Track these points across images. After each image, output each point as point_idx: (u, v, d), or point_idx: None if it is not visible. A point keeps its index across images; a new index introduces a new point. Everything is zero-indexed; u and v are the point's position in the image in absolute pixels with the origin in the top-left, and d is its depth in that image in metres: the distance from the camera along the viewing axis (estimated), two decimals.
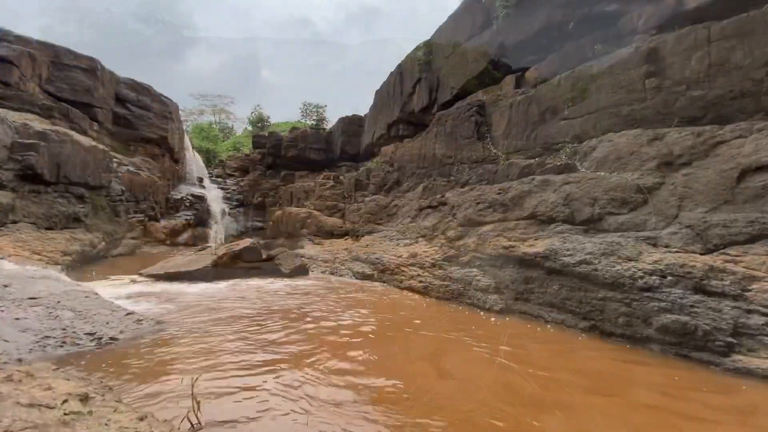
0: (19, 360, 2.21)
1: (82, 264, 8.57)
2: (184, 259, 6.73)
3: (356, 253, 7.72)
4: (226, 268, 6.70)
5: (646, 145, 4.37)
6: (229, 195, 22.38)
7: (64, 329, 2.87)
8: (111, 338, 2.94)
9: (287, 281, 6.37)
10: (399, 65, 14.80)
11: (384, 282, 6.38)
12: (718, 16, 6.15)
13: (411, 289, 5.61)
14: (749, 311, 2.69)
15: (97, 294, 3.90)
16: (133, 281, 6.13)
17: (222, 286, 5.77)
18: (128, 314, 3.46)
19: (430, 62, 12.86)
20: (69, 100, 13.22)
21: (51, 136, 8.85)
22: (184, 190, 19.91)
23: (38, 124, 10.52)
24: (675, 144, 4.12)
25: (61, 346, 2.69)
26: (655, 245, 3.56)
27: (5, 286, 3.50)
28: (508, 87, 9.50)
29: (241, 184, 23.12)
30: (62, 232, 8.73)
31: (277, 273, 7.14)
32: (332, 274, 7.45)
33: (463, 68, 10.84)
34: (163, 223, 16.29)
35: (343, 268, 7.46)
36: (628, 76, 5.18)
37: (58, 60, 13.20)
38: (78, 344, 2.75)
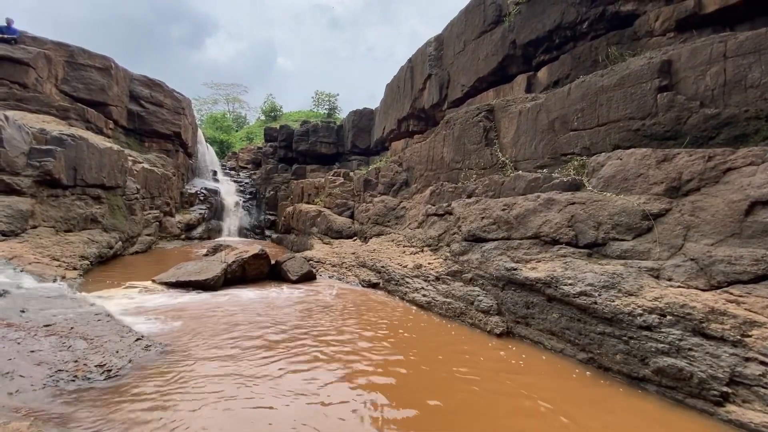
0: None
1: (100, 265, 8.91)
2: (195, 267, 6.92)
3: (363, 258, 7.79)
4: (235, 275, 6.87)
5: (655, 167, 4.25)
6: (242, 188, 22.72)
7: (76, 361, 3.02)
8: (119, 369, 3.09)
9: (295, 290, 6.50)
10: (410, 59, 14.60)
11: (389, 292, 6.45)
12: (740, 20, 5.88)
13: (414, 302, 5.67)
14: (747, 359, 2.65)
15: (109, 315, 4.07)
16: (146, 289, 6.35)
17: (231, 296, 5.93)
18: (137, 340, 3.61)
19: (441, 58, 12.65)
20: (84, 99, 13.51)
21: (67, 141, 9.09)
22: (198, 184, 20.30)
23: (55, 126, 10.81)
24: (684, 168, 4.00)
25: (73, 380, 2.84)
26: (657, 278, 3.50)
27: (22, 311, 3.68)
28: (519, 87, 9.31)
29: (254, 177, 23.42)
30: (80, 234, 9.05)
31: (285, 279, 7.29)
32: (339, 280, 7.56)
33: (474, 66, 10.63)
34: (177, 218, 16.69)
35: (350, 274, 7.56)
36: (640, 89, 5.01)
37: (73, 60, 13.44)
38: (89, 378, 2.89)
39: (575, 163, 5.53)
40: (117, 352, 3.32)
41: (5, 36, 11.78)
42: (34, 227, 7.99)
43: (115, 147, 11.79)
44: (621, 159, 4.69)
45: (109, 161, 10.68)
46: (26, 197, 7.98)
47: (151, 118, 16.19)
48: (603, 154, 5.11)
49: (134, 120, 15.72)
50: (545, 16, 8.28)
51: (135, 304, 5.27)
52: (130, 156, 13.52)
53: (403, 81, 14.83)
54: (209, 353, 3.67)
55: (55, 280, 6.23)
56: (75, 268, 7.45)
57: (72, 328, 3.57)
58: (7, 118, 8.05)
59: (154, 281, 6.79)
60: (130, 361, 3.26)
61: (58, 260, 7.35)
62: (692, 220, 3.69)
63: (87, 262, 8.04)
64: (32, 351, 3.02)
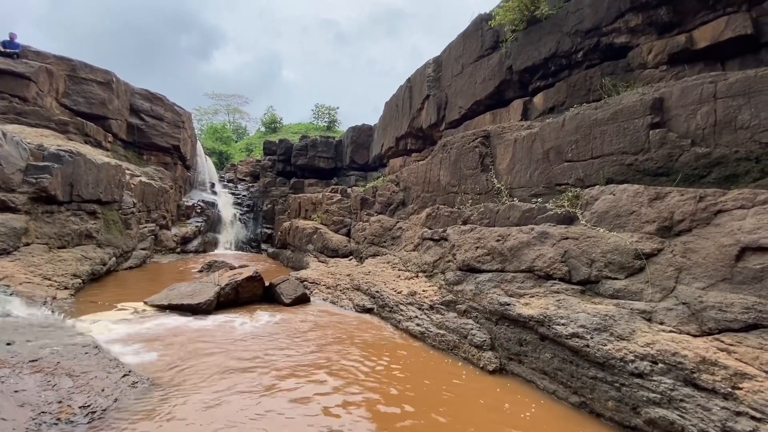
0: None
1: (92, 283, 8.83)
2: (187, 289, 6.87)
3: (358, 281, 7.76)
4: (228, 298, 6.82)
5: (647, 205, 4.28)
6: (239, 201, 22.71)
7: (60, 402, 2.97)
8: (103, 410, 3.04)
9: (288, 315, 6.44)
10: (409, 79, 14.80)
11: (383, 318, 6.41)
12: (730, 56, 6.01)
13: (408, 331, 5.63)
14: (738, 413, 2.63)
15: (96, 347, 4.02)
16: (137, 312, 6.29)
17: (223, 322, 5.87)
18: (124, 376, 3.56)
19: (440, 79, 12.82)
20: (84, 113, 13.59)
21: (65, 157, 9.10)
22: (195, 196, 20.29)
23: (53, 140, 10.84)
24: (676, 207, 4.03)
25: (56, 424, 2.79)
26: (649, 320, 3.50)
27: (8, 344, 3.63)
28: (515, 112, 9.43)
29: (252, 189, 23.45)
30: (74, 251, 8.99)
31: (278, 302, 7.24)
32: (333, 303, 7.51)
33: (472, 89, 10.77)
34: (174, 231, 16.63)
35: (344, 297, 7.52)
36: (633, 125, 5.07)
37: (75, 74, 13.56)
38: (72, 421, 2.84)
39: (569, 194, 5.57)
40: (102, 390, 3.27)
41: (7, 50, 11.88)
42: (27, 245, 7.93)
43: (113, 162, 11.81)
44: (614, 194, 4.72)
45: (106, 176, 10.68)
46: (20, 214, 7.95)
47: (151, 132, 16.27)
48: (597, 187, 5.15)
49: (134, 133, 15.79)
50: (541, 44, 8.43)
51: (125, 330, 5.21)
52: (128, 169, 13.53)
53: (402, 100, 15.00)
54: (198, 390, 3.62)
55: (45, 302, 6.17)
56: (66, 288, 7.38)
57: (58, 363, 3.52)
58: (4, 134, 8.07)
59: (146, 303, 6.73)
60: (115, 400, 3.21)
61: (49, 279, 7.29)
62: (684, 262, 3.71)
63: (79, 280, 7.97)
64: (16, 391, 2.97)
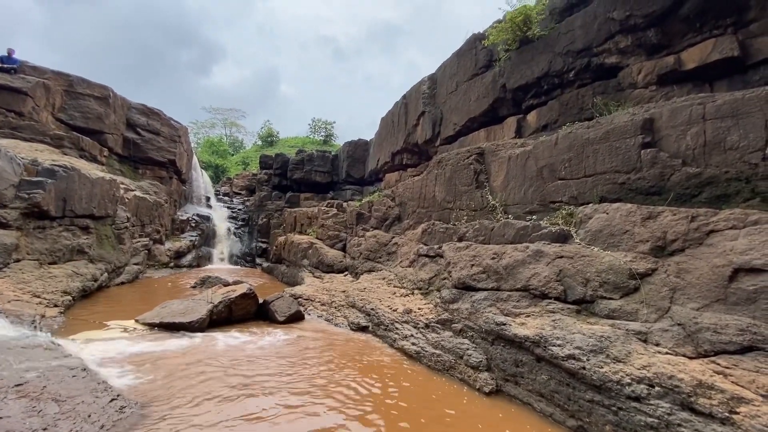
0: None
1: (83, 299, 8.67)
2: (180, 306, 6.77)
3: (353, 298, 7.69)
4: (221, 316, 6.73)
5: (640, 224, 4.31)
6: (234, 214, 22.62)
7: (45, 429, 2.89)
8: None
9: (281, 335, 6.35)
10: (404, 96, 14.98)
11: (378, 337, 6.34)
12: (718, 77, 6.15)
13: (403, 351, 5.56)
14: None
15: (84, 370, 3.93)
16: (127, 331, 6.18)
17: (215, 343, 5.77)
18: (112, 400, 3.47)
19: (434, 96, 12.99)
20: (80, 127, 13.58)
21: (59, 172, 9.05)
22: (190, 210, 20.19)
23: (48, 155, 10.80)
24: (669, 227, 4.06)
25: None
26: (645, 342, 3.48)
27: None
28: (509, 129, 9.55)
29: (247, 203, 23.39)
30: (65, 267, 8.86)
31: (272, 320, 7.15)
32: (328, 321, 7.43)
33: (466, 106, 10.91)
34: (167, 245, 16.48)
35: (339, 315, 7.44)
36: (624, 144, 5.15)
37: (72, 89, 13.60)
38: None
39: (563, 212, 5.60)
40: (89, 416, 3.18)
41: (5, 66, 11.93)
42: (18, 261, 7.82)
43: (108, 176, 11.76)
44: (607, 213, 4.76)
45: (100, 191, 10.62)
46: (12, 230, 7.85)
47: (147, 146, 16.27)
48: (590, 205, 5.19)
49: (129, 147, 15.78)
50: (534, 63, 8.60)
51: (114, 350, 5.10)
52: (123, 184, 13.47)
53: (398, 116, 15.16)
54: (188, 417, 3.53)
55: (33, 321, 6.05)
56: (56, 305, 7.24)
57: (44, 387, 3.43)
58: None
59: (137, 321, 6.62)
60: (102, 427, 3.12)
61: (39, 297, 7.16)
62: (678, 282, 3.72)
63: (69, 297, 7.83)
64: (0, 417, 2.88)
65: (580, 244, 4.75)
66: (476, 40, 10.58)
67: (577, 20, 7.67)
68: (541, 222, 5.68)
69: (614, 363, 3.33)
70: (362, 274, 9.77)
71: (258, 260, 19.49)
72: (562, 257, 4.58)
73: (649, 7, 6.36)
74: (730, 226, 3.70)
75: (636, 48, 6.86)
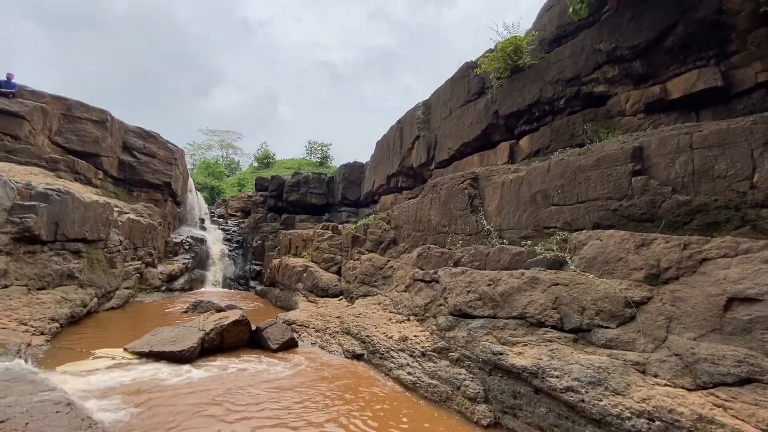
0: None
1: (71, 326, 8.46)
2: (170, 334, 6.62)
3: (348, 324, 7.57)
4: (212, 344, 6.58)
5: (634, 252, 4.34)
6: (229, 236, 22.46)
7: None
8: None
9: (274, 364, 6.20)
10: (399, 120, 15.23)
11: (373, 365, 6.21)
12: (704, 105, 6.33)
13: (399, 381, 5.44)
14: None
15: (69, 404, 3.79)
16: (115, 360, 6.01)
17: (205, 374, 5.62)
18: None
19: (429, 121, 13.22)
20: (77, 150, 13.63)
21: (52, 196, 8.99)
22: (184, 232, 20.04)
23: (42, 179, 10.77)
24: (662, 255, 4.09)
25: None
26: (643, 373, 3.44)
27: None
28: (502, 154, 9.69)
29: (242, 225, 23.27)
30: (54, 292, 8.68)
31: (265, 348, 6.99)
32: (322, 348, 7.28)
33: (460, 131, 11.10)
34: (160, 268, 16.26)
35: (334, 342, 7.30)
36: (615, 171, 5.24)
37: (70, 112, 13.71)
38: None
39: (558, 237, 5.63)
40: None
41: (3, 90, 12.04)
42: (6, 287, 7.65)
43: (102, 199, 11.71)
44: (601, 240, 4.79)
45: (93, 214, 10.54)
46: (1, 255, 7.72)
47: (143, 169, 16.29)
48: (584, 231, 5.23)
49: (125, 170, 15.79)
50: (525, 91, 8.83)
51: (101, 382, 4.94)
52: (117, 206, 13.39)
53: (393, 140, 15.38)
54: None
55: (18, 351, 5.88)
56: (42, 333, 7.05)
57: (27, 424, 3.30)
58: None
59: (125, 350, 6.44)
60: None
61: (25, 324, 6.97)
62: (674, 311, 3.71)
63: (57, 324, 7.64)
64: None
65: (575, 270, 4.76)
66: (469, 68, 10.88)
67: (566, 51, 7.93)
68: (536, 248, 5.70)
69: (613, 395, 3.27)
70: (357, 298, 9.66)
71: (252, 283, 19.24)
72: (557, 284, 4.57)
73: (633, 40, 6.61)
74: (722, 254, 3.73)
75: (623, 78, 7.08)
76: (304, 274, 12.42)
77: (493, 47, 9.51)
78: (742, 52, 5.72)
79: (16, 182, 8.87)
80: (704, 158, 4.49)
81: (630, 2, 6.68)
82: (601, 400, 3.29)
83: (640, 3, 6.54)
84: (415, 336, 5.95)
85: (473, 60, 10.74)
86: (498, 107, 9.52)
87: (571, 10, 7.20)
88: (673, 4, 6.12)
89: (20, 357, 5.65)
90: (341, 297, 10.84)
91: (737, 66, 5.79)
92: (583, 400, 3.37)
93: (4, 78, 12.37)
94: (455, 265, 6.71)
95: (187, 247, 18.44)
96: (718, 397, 3.01)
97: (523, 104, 8.81)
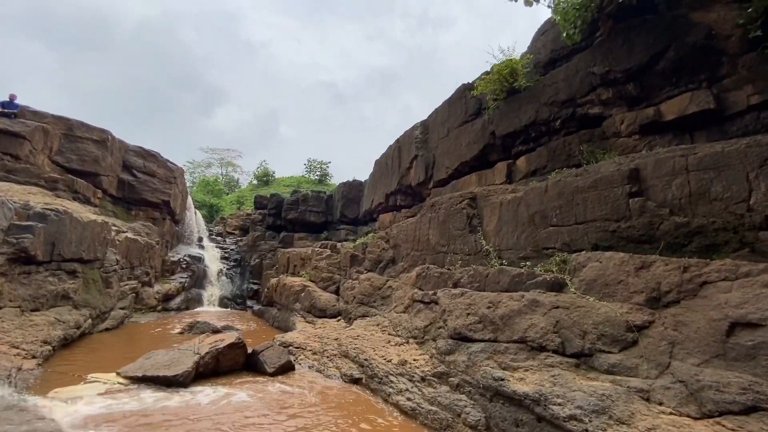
0: None
1: (64, 348, 8.29)
2: (165, 357, 6.49)
3: (346, 347, 7.45)
4: (208, 368, 6.45)
5: (633, 275, 4.31)
6: (227, 254, 22.34)
7: None
8: None
9: (269, 390, 6.06)
10: (397, 140, 15.37)
11: (372, 390, 6.07)
12: (698, 127, 6.41)
13: (398, 407, 5.31)
14: None
15: None
16: (107, 386, 5.86)
17: (202, 399, 5.49)
18: None
19: (427, 141, 13.35)
20: (76, 170, 13.69)
21: (50, 216, 8.97)
22: (182, 251, 19.92)
23: (41, 198, 10.76)
24: (662, 278, 4.06)
25: None
26: (648, 400, 3.37)
27: None
28: (500, 174, 9.76)
29: (240, 243, 23.17)
30: (47, 314, 8.54)
31: (261, 372, 6.85)
32: (319, 371, 7.13)
33: (458, 151, 11.20)
34: (156, 288, 16.10)
35: (331, 365, 7.16)
36: (613, 193, 5.26)
37: (71, 132, 13.84)
38: None
39: (557, 258, 5.61)
40: None
41: (6, 111, 12.17)
42: None
43: (100, 219, 11.68)
44: (601, 262, 4.77)
45: (90, 234, 10.49)
46: None
47: (142, 187, 16.33)
48: (583, 253, 5.21)
49: (124, 189, 15.83)
50: (521, 112, 8.96)
51: (92, 410, 4.81)
52: (114, 226, 13.35)
53: (391, 158, 15.50)
54: None
55: (9, 375, 5.74)
56: (34, 356, 6.90)
57: None
58: None
59: (118, 374, 6.30)
60: None
61: (17, 348, 6.83)
62: (676, 336, 3.66)
63: (49, 347, 7.49)
64: None
65: (575, 293, 4.72)
66: (466, 89, 11.06)
67: (561, 73, 8.09)
68: (535, 269, 5.67)
69: (618, 425, 3.19)
70: (356, 319, 9.54)
71: (249, 302, 19.02)
72: (558, 307, 4.52)
73: (626, 64, 6.75)
74: (723, 277, 3.71)
75: (617, 99, 7.20)
76: (302, 294, 12.30)
77: (489, 69, 9.70)
78: (734, 76, 5.83)
79: (14, 202, 8.86)
80: (700, 180, 4.52)
81: (621, 28, 6.86)
82: (605, 430, 3.20)
83: (630, 29, 6.70)
84: (414, 360, 5.84)
85: (470, 82, 10.92)
86: (495, 128, 9.63)
87: (564, 35, 7.37)
88: (664, 29, 6.28)
89: (10, 382, 5.51)
90: (339, 317, 10.71)
91: (729, 89, 5.89)
92: (586, 430, 3.28)
93: (7, 99, 12.52)
94: (454, 286, 6.66)
95: (184, 266, 18.29)
96: (724, 426, 2.94)
97: (520, 125, 8.92)
